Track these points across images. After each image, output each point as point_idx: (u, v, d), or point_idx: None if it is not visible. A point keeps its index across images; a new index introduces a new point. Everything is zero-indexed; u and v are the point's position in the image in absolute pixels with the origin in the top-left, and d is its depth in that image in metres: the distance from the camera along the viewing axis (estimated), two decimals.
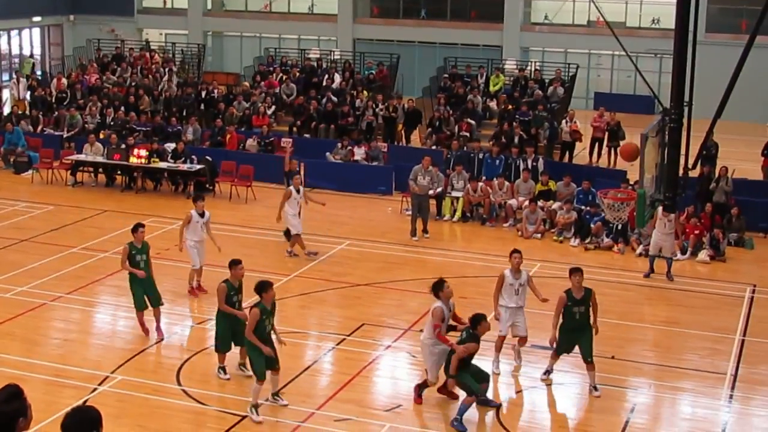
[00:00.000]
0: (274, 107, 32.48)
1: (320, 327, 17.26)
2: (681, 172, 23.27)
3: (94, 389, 14.08)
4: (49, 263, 19.83)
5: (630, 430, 13.47)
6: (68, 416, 6.18)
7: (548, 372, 14.77)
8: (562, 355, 14.59)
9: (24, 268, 19.43)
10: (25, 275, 19.01)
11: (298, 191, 20.50)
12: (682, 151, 13.98)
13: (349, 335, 16.48)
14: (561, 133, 29.38)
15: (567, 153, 29.54)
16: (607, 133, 29.66)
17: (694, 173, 24.04)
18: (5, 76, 42.28)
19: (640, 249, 21.53)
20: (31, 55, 44.76)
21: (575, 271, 14.38)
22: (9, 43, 45.32)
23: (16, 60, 45.65)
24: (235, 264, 14.54)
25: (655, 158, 21.82)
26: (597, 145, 29.97)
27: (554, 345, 14.42)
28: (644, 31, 40.48)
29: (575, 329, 14.19)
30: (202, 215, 18.12)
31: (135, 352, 15.55)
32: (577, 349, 14.31)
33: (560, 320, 14.20)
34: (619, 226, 21.49)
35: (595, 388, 14.28)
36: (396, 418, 13.46)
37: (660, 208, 19.45)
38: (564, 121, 29.64)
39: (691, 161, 14.98)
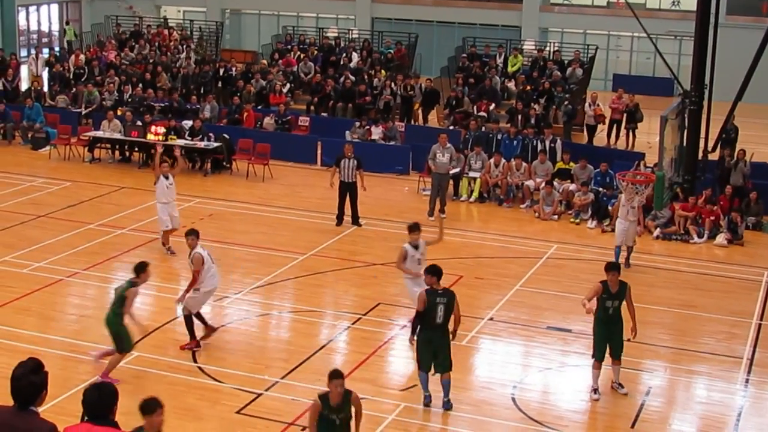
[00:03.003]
0: (289, 85, 32.42)
1: (336, 306, 17.28)
2: (700, 154, 23.09)
3: None
4: (66, 239, 19.90)
5: (645, 412, 13.43)
6: (88, 391, 6.30)
7: (596, 391, 13.70)
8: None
9: (41, 243, 19.50)
10: (41, 251, 19.09)
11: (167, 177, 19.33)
12: (702, 133, 13.89)
13: (364, 314, 16.48)
14: (585, 116, 29.25)
15: (588, 135, 29.42)
16: (625, 115, 29.51)
17: (714, 156, 23.94)
18: (23, 52, 42.31)
19: (657, 232, 21.46)
20: (68, 22, 44.69)
21: (612, 269, 13.44)
22: (27, 20, 45.37)
23: (35, 36, 45.69)
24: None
25: (674, 141, 21.57)
26: (615, 126, 29.82)
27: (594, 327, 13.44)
28: (664, 13, 40.22)
29: (608, 322, 13.36)
30: (167, 177, 19.14)
31: (151, 329, 15.57)
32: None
33: (595, 308, 13.34)
34: None
35: (621, 386, 13.75)
36: (410, 398, 13.45)
37: (622, 195, 19.07)
38: (587, 105, 29.47)
39: (710, 144, 14.82)
